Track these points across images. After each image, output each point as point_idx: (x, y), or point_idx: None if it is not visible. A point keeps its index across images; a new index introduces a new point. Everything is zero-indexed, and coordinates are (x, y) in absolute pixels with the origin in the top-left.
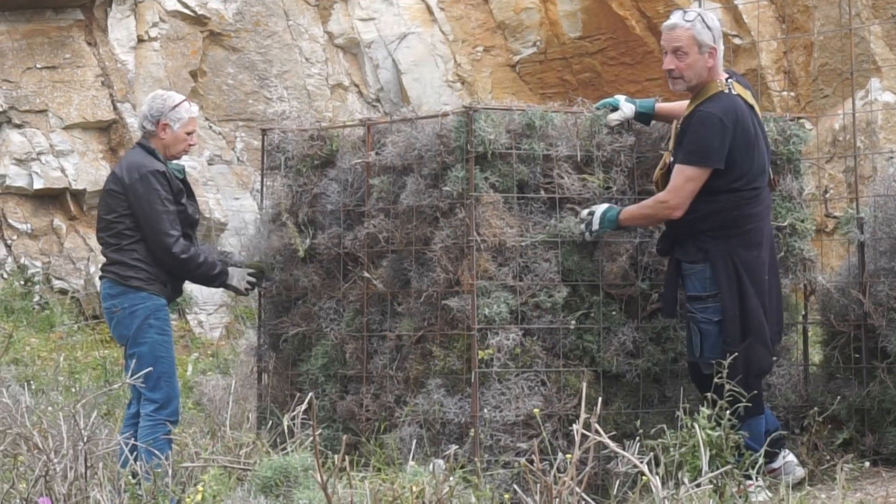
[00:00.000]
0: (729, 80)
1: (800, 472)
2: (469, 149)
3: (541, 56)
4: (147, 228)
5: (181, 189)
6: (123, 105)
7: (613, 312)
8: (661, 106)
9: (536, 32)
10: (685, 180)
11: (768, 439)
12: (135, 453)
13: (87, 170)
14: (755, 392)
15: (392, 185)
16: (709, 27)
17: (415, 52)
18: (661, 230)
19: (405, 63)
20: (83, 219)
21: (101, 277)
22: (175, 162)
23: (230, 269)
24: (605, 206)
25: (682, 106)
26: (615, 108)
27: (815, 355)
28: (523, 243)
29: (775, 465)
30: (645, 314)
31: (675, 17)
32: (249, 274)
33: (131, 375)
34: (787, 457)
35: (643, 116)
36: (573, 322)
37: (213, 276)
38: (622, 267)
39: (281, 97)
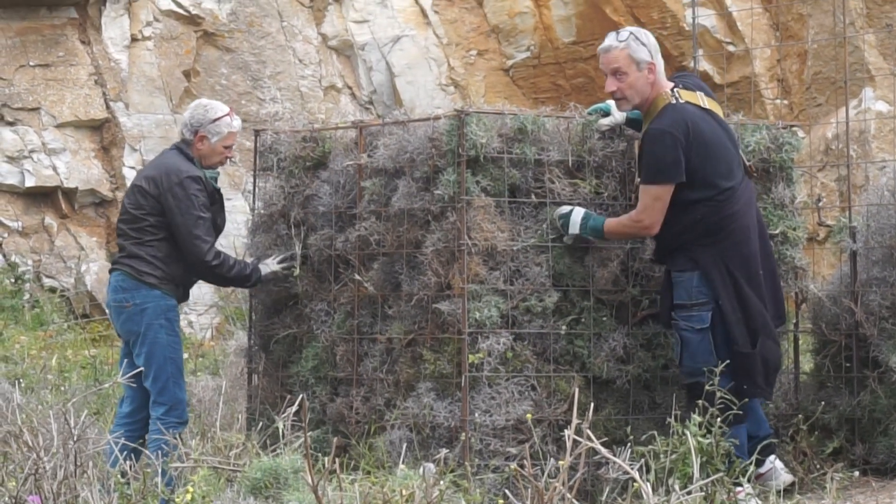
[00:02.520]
0: (674, 90)
1: (788, 477)
2: (461, 152)
3: (534, 61)
4: (182, 233)
5: (213, 197)
6: (116, 104)
7: (604, 318)
8: None
9: (530, 37)
10: (652, 199)
11: (759, 445)
12: (125, 453)
13: (79, 168)
14: (745, 399)
15: (384, 187)
16: (643, 43)
17: (408, 55)
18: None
19: (398, 66)
20: (74, 217)
21: (113, 268)
22: (212, 172)
23: (260, 264)
24: (581, 210)
25: None
26: (606, 114)
27: (806, 364)
28: (514, 247)
29: (762, 470)
30: (636, 320)
31: (609, 39)
32: (281, 260)
33: (143, 377)
34: (774, 462)
35: (634, 122)
36: (564, 327)
37: (247, 275)
38: (613, 272)
39: (274, 98)
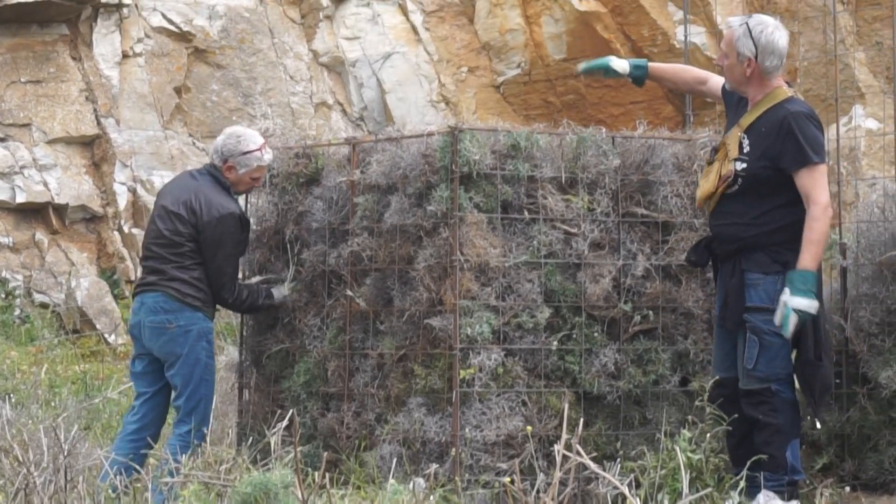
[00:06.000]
0: (791, 88)
1: None
2: (454, 169)
3: (525, 77)
4: (211, 267)
5: (244, 227)
6: (107, 120)
7: (595, 334)
8: (655, 66)
9: (521, 54)
10: (822, 176)
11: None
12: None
13: (70, 184)
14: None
15: (376, 203)
16: (752, 38)
17: (399, 72)
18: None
19: (389, 82)
20: (65, 233)
21: (149, 290)
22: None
23: (273, 290)
24: (785, 298)
25: (676, 69)
26: (606, 69)
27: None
28: (506, 263)
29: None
30: (627, 336)
31: (733, 18)
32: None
33: (175, 396)
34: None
35: (638, 77)
36: (555, 343)
37: (258, 305)
38: (605, 289)
39: (265, 114)
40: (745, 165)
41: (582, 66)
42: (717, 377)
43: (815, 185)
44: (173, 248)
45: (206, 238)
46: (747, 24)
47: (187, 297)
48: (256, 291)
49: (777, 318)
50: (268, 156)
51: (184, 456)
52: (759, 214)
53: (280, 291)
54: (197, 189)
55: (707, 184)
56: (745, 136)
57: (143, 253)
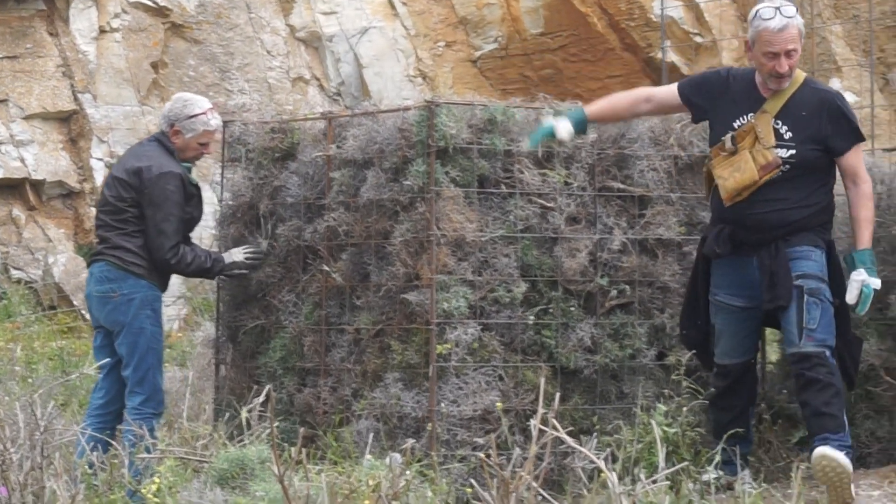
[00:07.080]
0: None
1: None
2: (430, 143)
3: (502, 52)
4: (150, 226)
5: (192, 194)
6: (84, 96)
7: (572, 308)
8: (592, 110)
9: (498, 28)
10: (862, 156)
11: (725, 436)
12: (92, 444)
13: (47, 160)
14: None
15: (353, 178)
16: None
17: (376, 47)
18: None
19: (366, 57)
20: (42, 209)
21: (96, 259)
22: (185, 164)
23: (223, 254)
24: (861, 277)
25: (612, 101)
26: (552, 135)
27: (773, 353)
28: (483, 238)
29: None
30: (603, 310)
31: (776, 17)
32: (249, 252)
33: (123, 366)
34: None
35: (580, 126)
36: (531, 317)
37: (207, 268)
38: (581, 263)
39: (242, 90)
40: (793, 151)
41: (529, 143)
42: (724, 363)
43: (861, 163)
44: (116, 214)
45: (147, 198)
46: (791, 4)
47: (130, 266)
48: (204, 255)
49: (852, 297)
50: (214, 120)
51: (142, 427)
52: (804, 196)
53: (231, 256)
54: (141, 154)
55: (743, 175)
56: (779, 122)
57: (95, 223)
